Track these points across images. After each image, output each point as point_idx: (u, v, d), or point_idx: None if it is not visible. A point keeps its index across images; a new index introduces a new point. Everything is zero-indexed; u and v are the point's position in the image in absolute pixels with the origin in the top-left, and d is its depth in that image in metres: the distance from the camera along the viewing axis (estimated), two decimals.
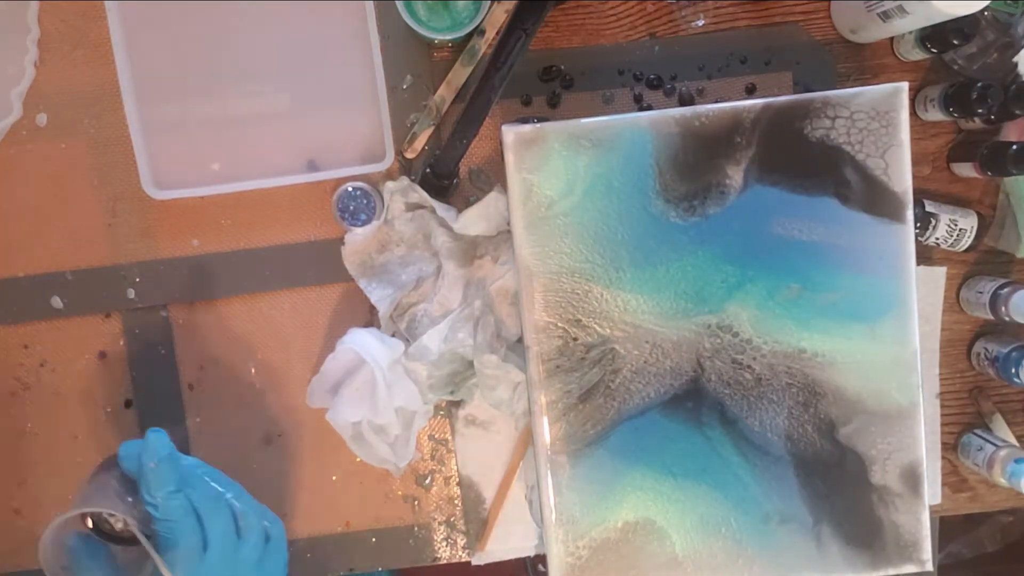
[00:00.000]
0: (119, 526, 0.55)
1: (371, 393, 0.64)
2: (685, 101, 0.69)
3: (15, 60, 0.66)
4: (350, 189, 0.66)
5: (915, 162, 0.63)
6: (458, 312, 0.66)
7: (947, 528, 1.27)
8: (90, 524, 0.55)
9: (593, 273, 0.60)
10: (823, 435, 0.61)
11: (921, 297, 0.69)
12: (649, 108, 0.69)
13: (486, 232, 0.65)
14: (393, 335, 0.66)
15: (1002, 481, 0.66)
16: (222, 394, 0.70)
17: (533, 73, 0.68)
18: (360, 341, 0.64)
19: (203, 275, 0.69)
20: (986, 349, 0.69)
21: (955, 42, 0.62)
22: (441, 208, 0.65)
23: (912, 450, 0.61)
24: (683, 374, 0.61)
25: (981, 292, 0.67)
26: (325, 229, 0.69)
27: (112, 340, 0.69)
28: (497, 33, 0.66)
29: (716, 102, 0.63)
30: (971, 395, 0.72)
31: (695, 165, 0.59)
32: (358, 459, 0.69)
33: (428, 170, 0.66)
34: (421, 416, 0.67)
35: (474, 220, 0.65)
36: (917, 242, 0.64)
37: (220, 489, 0.54)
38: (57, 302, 0.69)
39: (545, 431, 0.61)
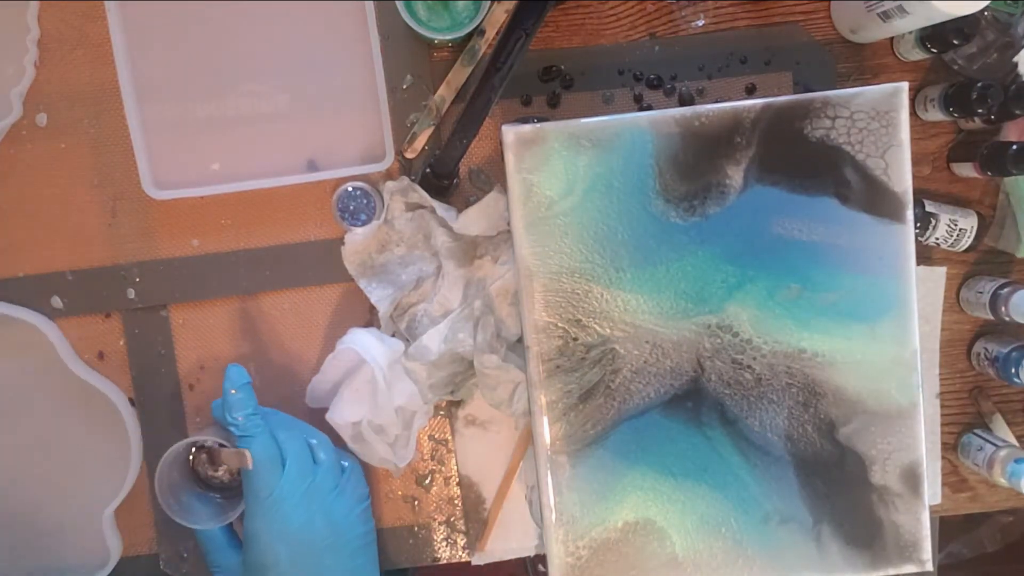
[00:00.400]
0: (224, 478, 0.65)
1: (371, 393, 0.64)
2: (685, 101, 0.69)
3: (15, 60, 0.66)
4: (350, 189, 0.66)
5: (915, 162, 0.63)
6: (458, 312, 0.66)
7: (947, 528, 1.27)
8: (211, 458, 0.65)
9: (593, 273, 0.60)
10: (823, 435, 0.61)
11: (921, 297, 0.69)
12: (649, 108, 0.69)
13: (486, 232, 0.65)
14: (393, 335, 0.66)
15: (1002, 481, 0.66)
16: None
17: (533, 73, 0.68)
18: (360, 341, 0.64)
19: (203, 275, 0.69)
20: (986, 349, 0.69)
21: (955, 42, 0.62)
22: (441, 208, 0.65)
23: (912, 450, 0.61)
24: (683, 374, 0.61)
25: (981, 292, 0.67)
26: (325, 229, 0.69)
27: (112, 340, 0.69)
28: (497, 33, 0.66)
29: (716, 102, 0.63)
30: (971, 395, 0.72)
31: (695, 165, 0.59)
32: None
33: (428, 170, 0.66)
34: (421, 416, 0.67)
35: (474, 220, 0.65)
36: (917, 242, 0.64)
37: (292, 424, 0.62)
38: (57, 302, 0.69)
39: (545, 431, 0.61)
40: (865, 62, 0.69)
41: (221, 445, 0.59)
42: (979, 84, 0.62)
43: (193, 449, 0.65)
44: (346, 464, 0.63)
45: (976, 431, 0.70)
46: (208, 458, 0.65)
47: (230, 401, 0.57)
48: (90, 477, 0.69)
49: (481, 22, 0.64)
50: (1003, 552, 1.27)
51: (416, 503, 0.71)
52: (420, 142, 0.67)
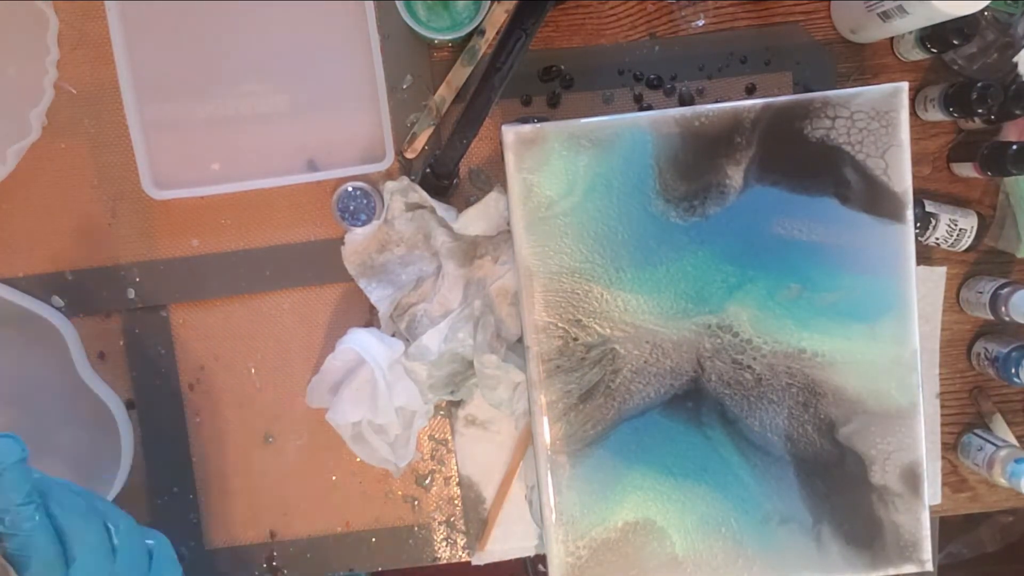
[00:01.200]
0: None
1: (371, 393, 0.64)
2: (685, 101, 0.69)
3: (34, 81, 0.66)
4: (350, 189, 0.66)
5: (915, 162, 0.63)
6: (458, 312, 0.66)
7: (947, 528, 1.27)
8: None
9: (593, 273, 0.60)
10: (823, 435, 0.61)
11: (921, 297, 0.69)
12: (649, 108, 0.69)
13: (486, 232, 0.65)
14: (393, 335, 0.66)
15: (1002, 481, 0.66)
16: (222, 394, 0.70)
17: (533, 73, 0.68)
18: (360, 341, 0.64)
19: (203, 275, 0.69)
20: (986, 349, 0.69)
21: (955, 42, 0.62)
22: (441, 208, 0.65)
23: (912, 450, 0.61)
24: (683, 374, 0.61)
25: (981, 292, 0.67)
26: (325, 229, 0.69)
27: (112, 340, 0.69)
28: (497, 33, 0.66)
29: (716, 102, 0.63)
30: (971, 395, 0.72)
31: (695, 165, 0.59)
32: (358, 459, 0.69)
33: (428, 170, 0.66)
34: (421, 416, 0.67)
35: (474, 220, 0.65)
36: (917, 242, 0.64)
37: (90, 503, 0.48)
38: (57, 302, 0.69)
39: (545, 431, 0.61)
40: (865, 62, 0.69)
41: None
42: (979, 84, 0.62)
43: None
44: (151, 543, 0.51)
45: (976, 431, 0.70)
46: None
47: None
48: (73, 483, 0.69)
49: (481, 22, 0.64)
50: (1003, 552, 1.27)
51: (416, 503, 0.71)
52: (420, 142, 0.67)
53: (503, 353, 0.65)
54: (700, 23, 0.68)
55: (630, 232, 0.60)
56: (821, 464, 0.61)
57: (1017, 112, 0.63)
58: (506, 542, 0.71)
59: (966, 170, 0.67)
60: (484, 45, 0.66)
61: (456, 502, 0.71)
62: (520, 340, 0.64)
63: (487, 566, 0.72)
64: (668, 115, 0.59)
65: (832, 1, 0.68)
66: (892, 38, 0.68)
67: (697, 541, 0.62)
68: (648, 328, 0.61)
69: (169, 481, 0.70)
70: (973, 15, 0.57)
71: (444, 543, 0.72)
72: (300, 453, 0.70)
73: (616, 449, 0.61)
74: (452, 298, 0.66)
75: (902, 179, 0.59)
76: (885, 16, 0.61)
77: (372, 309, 0.69)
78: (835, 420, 0.61)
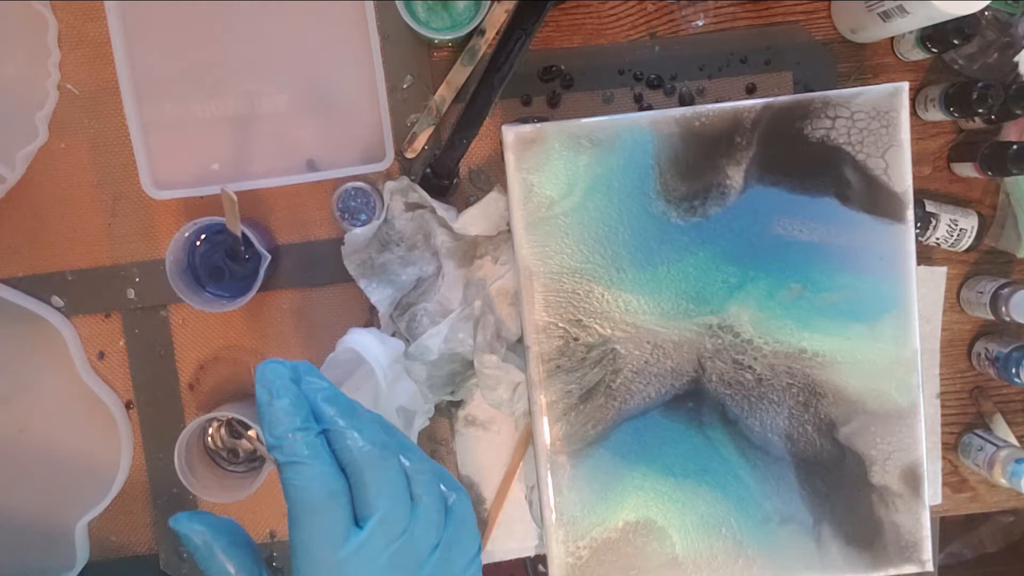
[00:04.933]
0: (240, 449, 0.69)
1: (371, 393, 0.63)
2: (685, 101, 0.69)
3: (38, 83, 0.66)
4: (350, 189, 0.66)
5: (915, 162, 0.63)
6: (458, 312, 0.66)
7: (948, 528, 1.27)
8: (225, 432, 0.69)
9: (594, 273, 0.60)
10: (823, 435, 0.61)
11: (921, 297, 0.69)
12: (649, 108, 0.69)
13: (486, 232, 0.65)
14: (393, 335, 0.66)
15: (1003, 481, 0.66)
16: (222, 394, 0.70)
17: (533, 73, 0.68)
18: (360, 341, 0.64)
19: None
20: (986, 349, 0.69)
21: (955, 42, 0.62)
22: (441, 208, 0.65)
23: (912, 450, 0.61)
24: (684, 374, 0.61)
25: (981, 292, 0.67)
26: (325, 229, 0.69)
27: (112, 340, 0.69)
28: (497, 33, 0.66)
29: (716, 102, 0.63)
30: (971, 395, 0.72)
31: (695, 165, 0.59)
32: None
33: (428, 170, 0.66)
34: (421, 416, 0.67)
35: (474, 220, 0.65)
36: (917, 242, 0.64)
37: (386, 436, 0.38)
38: (57, 302, 0.69)
39: (545, 431, 0.61)
40: (865, 62, 0.69)
41: (240, 421, 0.58)
42: (979, 84, 0.62)
43: (214, 425, 0.68)
44: (452, 499, 0.40)
45: (976, 431, 0.70)
46: (229, 432, 0.68)
47: (265, 415, 0.37)
48: (73, 484, 0.69)
49: (481, 22, 0.64)
50: (1004, 553, 1.27)
51: None
52: (420, 142, 0.67)
53: (503, 353, 0.65)
54: (700, 23, 0.68)
55: (631, 232, 0.60)
56: (821, 464, 0.61)
57: (1017, 112, 0.63)
58: (506, 542, 0.71)
59: (966, 170, 0.67)
60: (484, 45, 0.66)
61: None
62: (520, 340, 0.64)
63: (487, 566, 0.72)
64: (668, 115, 0.59)
65: (832, 1, 0.68)
66: (892, 38, 0.68)
67: (697, 541, 0.62)
68: (649, 328, 0.61)
69: (169, 481, 0.70)
70: (973, 15, 0.57)
71: None
72: None
73: (616, 449, 0.61)
74: (452, 298, 0.66)
75: (902, 179, 0.59)
76: (885, 16, 0.61)
77: (372, 309, 0.69)
78: (835, 420, 0.61)
